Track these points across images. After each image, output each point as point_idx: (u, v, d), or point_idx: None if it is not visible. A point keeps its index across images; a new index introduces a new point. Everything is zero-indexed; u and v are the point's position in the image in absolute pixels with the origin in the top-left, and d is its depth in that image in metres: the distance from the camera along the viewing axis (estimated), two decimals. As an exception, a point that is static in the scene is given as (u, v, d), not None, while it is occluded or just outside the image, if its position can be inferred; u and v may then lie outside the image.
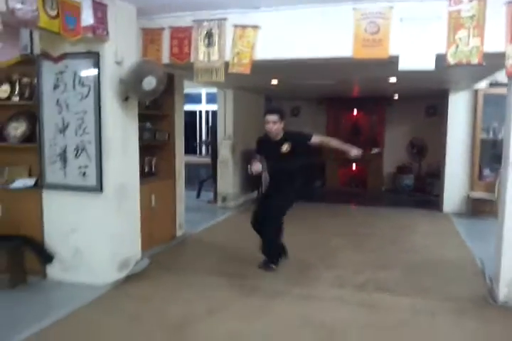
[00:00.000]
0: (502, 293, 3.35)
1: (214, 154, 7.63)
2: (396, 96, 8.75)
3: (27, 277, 3.72)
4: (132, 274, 3.82)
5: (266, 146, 3.92)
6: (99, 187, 3.57)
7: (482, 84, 6.49)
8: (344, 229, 5.83)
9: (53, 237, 3.75)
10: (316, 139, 3.83)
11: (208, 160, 8.34)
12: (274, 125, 3.72)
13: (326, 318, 3.08)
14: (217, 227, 5.93)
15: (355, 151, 3.75)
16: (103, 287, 3.56)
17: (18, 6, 2.51)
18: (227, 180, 7.35)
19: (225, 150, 7.25)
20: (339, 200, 8.20)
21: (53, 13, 2.74)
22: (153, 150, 4.80)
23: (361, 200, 8.30)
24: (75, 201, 3.67)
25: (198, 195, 8.08)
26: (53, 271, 3.77)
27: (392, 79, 6.05)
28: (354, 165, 9.50)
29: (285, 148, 3.73)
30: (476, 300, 3.44)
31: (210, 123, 9.62)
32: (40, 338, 2.80)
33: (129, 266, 3.83)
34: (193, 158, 8.45)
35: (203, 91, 9.29)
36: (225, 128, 7.30)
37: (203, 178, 8.29)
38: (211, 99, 9.15)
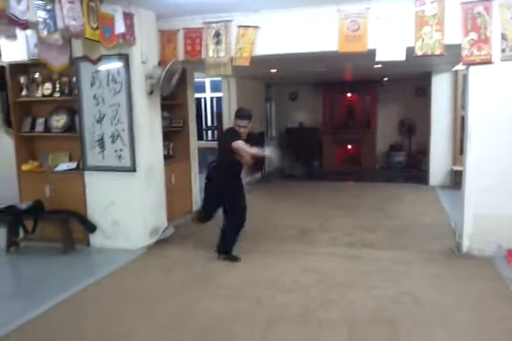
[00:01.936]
0: (465, 245, 4.10)
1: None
2: (386, 79, 9.30)
3: (75, 245, 4.45)
4: (161, 240, 4.55)
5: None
6: (133, 168, 4.25)
7: (461, 66, 7.01)
8: (339, 202, 6.54)
9: (95, 211, 4.46)
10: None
11: (213, 144, 8.88)
12: (245, 129, 3.88)
13: (322, 267, 3.84)
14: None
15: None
16: (138, 250, 4.30)
17: (71, 22, 3.15)
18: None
19: (230, 134, 7.80)
20: (336, 178, 8.89)
21: (95, 25, 3.38)
22: (170, 136, 5.43)
23: (356, 177, 8.95)
24: (112, 180, 4.35)
25: (208, 177, 8.67)
26: (96, 239, 4.50)
27: (377, 66, 6.65)
28: (349, 145, 10.15)
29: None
30: (445, 252, 4.19)
31: (214, 110, 10.18)
32: (94, 289, 3.49)
33: (158, 233, 4.56)
34: (200, 143, 9.01)
35: (207, 80, 9.81)
36: (230, 114, 7.88)
37: (211, 161, 8.84)
38: (215, 86, 9.67)
